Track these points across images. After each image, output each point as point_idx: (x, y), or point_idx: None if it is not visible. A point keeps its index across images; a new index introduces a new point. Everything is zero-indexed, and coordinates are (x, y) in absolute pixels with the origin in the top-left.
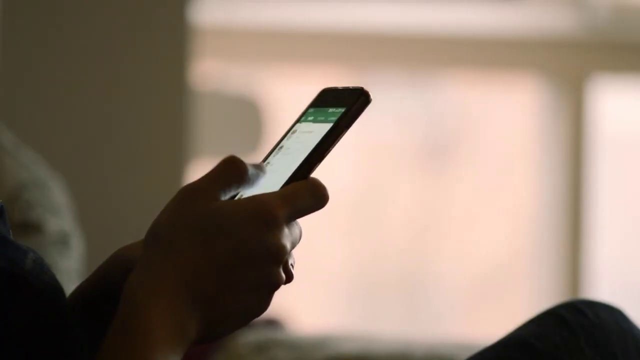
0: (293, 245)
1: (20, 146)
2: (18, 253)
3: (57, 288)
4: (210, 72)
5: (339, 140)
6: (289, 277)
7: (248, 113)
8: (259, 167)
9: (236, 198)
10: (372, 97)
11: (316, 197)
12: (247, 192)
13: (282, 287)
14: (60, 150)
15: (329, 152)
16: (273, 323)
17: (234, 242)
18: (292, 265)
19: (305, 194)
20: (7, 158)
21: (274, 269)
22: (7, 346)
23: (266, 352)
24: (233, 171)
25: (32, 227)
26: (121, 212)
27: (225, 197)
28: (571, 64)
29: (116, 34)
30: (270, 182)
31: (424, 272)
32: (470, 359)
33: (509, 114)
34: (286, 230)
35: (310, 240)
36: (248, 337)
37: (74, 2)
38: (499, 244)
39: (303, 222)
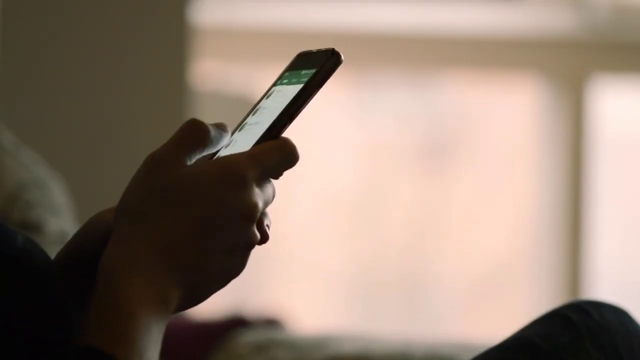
0: (266, 204)
1: (20, 146)
2: (9, 233)
3: (50, 264)
4: (210, 72)
5: (309, 100)
6: (264, 237)
7: None
8: (221, 127)
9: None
10: (343, 57)
11: (286, 155)
12: (222, 152)
13: (282, 286)
14: (60, 150)
15: (300, 112)
16: (273, 323)
17: (204, 205)
18: (267, 225)
19: (274, 152)
20: (7, 158)
21: (247, 228)
22: (3, 325)
23: (266, 352)
24: (195, 135)
25: (32, 227)
26: None
27: (190, 161)
28: (571, 64)
29: (116, 34)
30: (243, 144)
31: (424, 272)
32: None
33: (509, 114)
34: (257, 189)
35: (311, 240)
36: (248, 337)
37: (73, 2)
38: (499, 244)
39: (302, 220)
